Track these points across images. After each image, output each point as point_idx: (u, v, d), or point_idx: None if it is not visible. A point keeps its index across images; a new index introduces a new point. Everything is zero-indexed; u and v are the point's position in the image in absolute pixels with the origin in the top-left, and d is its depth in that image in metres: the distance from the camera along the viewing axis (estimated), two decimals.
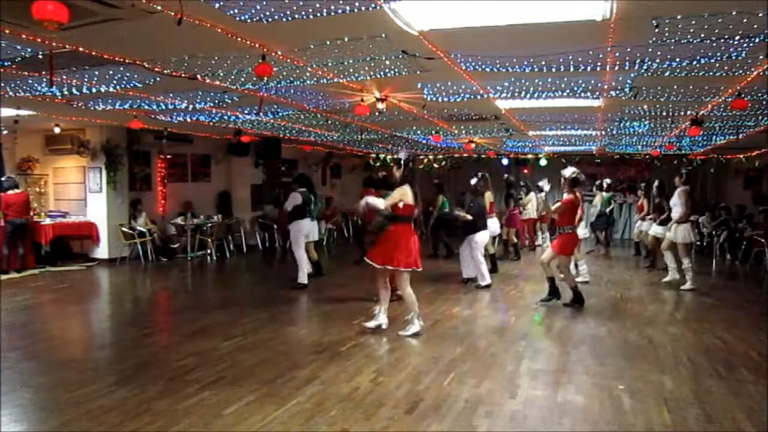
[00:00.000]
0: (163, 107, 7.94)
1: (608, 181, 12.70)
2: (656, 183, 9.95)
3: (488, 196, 9.24)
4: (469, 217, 8.30)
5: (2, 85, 6.22)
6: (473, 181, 8.81)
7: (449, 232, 11.60)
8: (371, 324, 5.87)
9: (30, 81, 6.05)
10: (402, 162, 5.75)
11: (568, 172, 7.15)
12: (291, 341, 5.58)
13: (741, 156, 14.16)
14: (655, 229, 9.91)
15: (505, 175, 12.57)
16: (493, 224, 9.50)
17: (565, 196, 7.13)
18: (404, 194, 5.61)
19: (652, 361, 5.06)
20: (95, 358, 5.25)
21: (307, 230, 8.43)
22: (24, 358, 5.04)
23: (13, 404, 3.95)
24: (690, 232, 8.23)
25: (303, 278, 8.22)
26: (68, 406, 3.92)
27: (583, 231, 8.83)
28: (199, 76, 5.81)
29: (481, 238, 8.39)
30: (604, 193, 12.14)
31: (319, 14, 3.93)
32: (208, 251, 11.80)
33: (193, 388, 4.23)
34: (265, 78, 5.40)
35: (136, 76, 5.90)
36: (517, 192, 12.35)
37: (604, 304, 7.42)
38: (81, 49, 4.83)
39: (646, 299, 7.85)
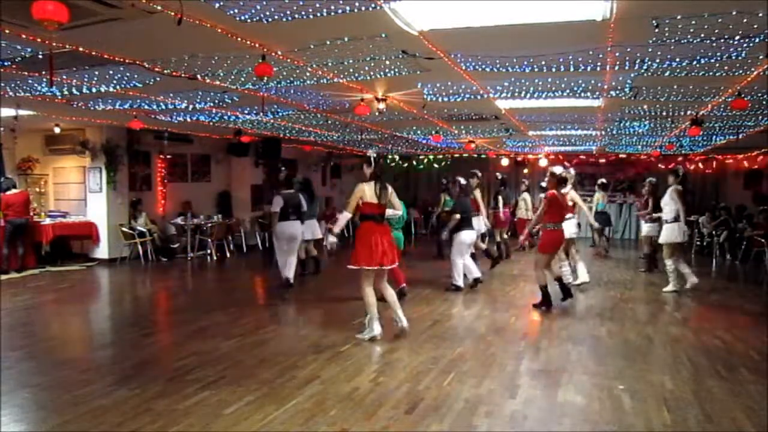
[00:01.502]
0: (163, 107, 7.94)
1: (603, 180, 12.71)
2: (649, 181, 9.86)
3: (478, 195, 9.17)
4: (456, 216, 8.05)
5: (2, 85, 6.22)
6: (462, 180, 8.52)
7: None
8: (372, 333, 5.61)
9: (30, 81, 6.05)
10: (372, 160, 5.60)
11: (558, 170, 7.11)
12: (291, 341, 5.58)
13: (741, 156, 14.20)
14: (646, 229, 9.88)
15: (498, 174, 12.19)
16: (477, 223, 9.15)
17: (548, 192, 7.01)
18: (362, 192, 5.50)
19: (652, 361, 5.07)
20: (95, 358, 5.25)
21: (289, 233, 8.18)
22: (24, 358, 5.04)
23: (13, 404, 3.96)
24: (677, 232, 7.88)
25: (290, 274, 8.25)
26: (68, 406, 3.92)
27: (574, 229, 8.48)
28: (199, 76, 5.81)
29: (465, 237, 8.08)
30: (603, 192, 12.07)
31: (319, 14, 3.94)
32: (208, 251, 11.80)
33: (193, 388, 4.23)
34: (265, 78, 5.40)
35: (136, 76, 5.90)
36: (510, 190, 12.21)
37: (604, 304, 7.42)
38: (81, 49, 4.83)
39: (646, 299, 7.85)
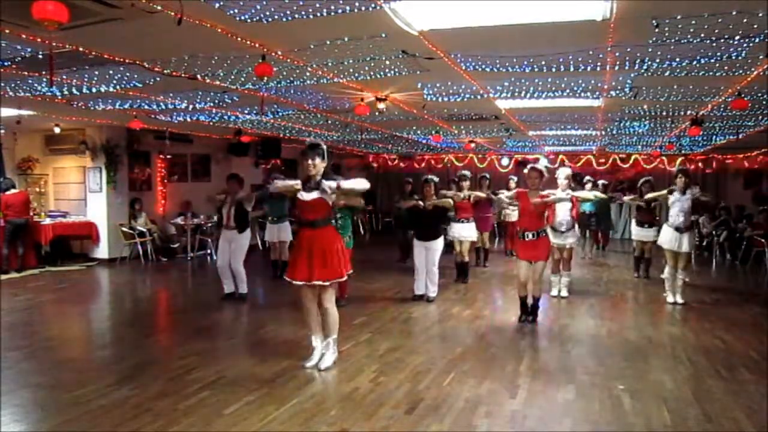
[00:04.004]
0: (163, 107, 7.94)
1: (604, 182, 12.48)
2: (647, 180, 9.10)
3: (480, 194, 8.64)
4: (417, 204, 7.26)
5: (2, 85, 6.22)
6: (436, 179, 7.61)
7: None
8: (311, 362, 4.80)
9: (30, 81, 6.05)
10: (324, 152, 4.61)
11: (542, 164, 6.56)
12: (291, 341, 5.57)
13: (741, 156, 14.22)
14: (642, 233, 9.11)
15: (483, 174, 11.04)
16: (468, 229, 8.62)
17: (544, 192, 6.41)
18: None
19: (652, 361, 5.07)
20: (95, 358, 5.25)
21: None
22: (24, 358, 5.05)
23: (12, 404, 3.96)
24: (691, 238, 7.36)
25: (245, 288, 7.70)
26: (68, 406, 3.93)
27: (565, 239, 7.56)
28: (199, 76, 5.80)
29: (439, 245, 7.39)
30: (592, 193, 11.34)
31: (319, 14, 3.93)
32: (208, 251, 11.81)
33: (193, 388, 4.24)
34: (265, 78, 5.40)
35: (136, 76, 5.90)
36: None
37: (604, 304, 7.42)
38: (81, 49, 4.83)
39: (646, 299, 7.85)
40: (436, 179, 7.59)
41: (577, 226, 7.92)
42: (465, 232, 8.59)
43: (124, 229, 11.02)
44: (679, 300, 7.34)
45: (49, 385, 4.35)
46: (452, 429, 3.60)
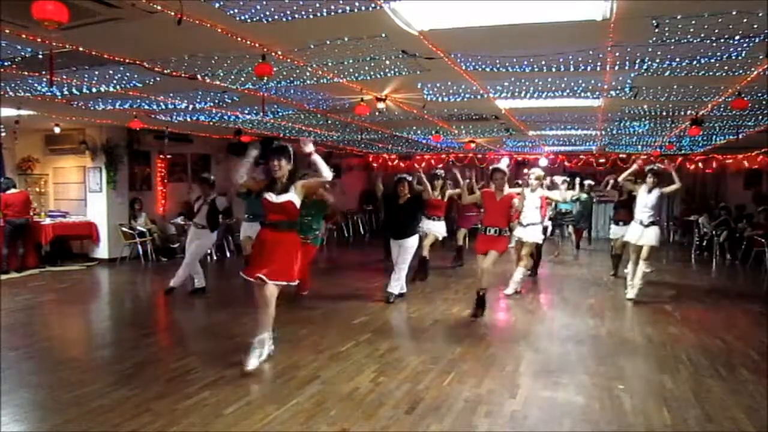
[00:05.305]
0: (163, 107, 7.94)
1: (591, 182, 12.53)
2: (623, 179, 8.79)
3: (451, 194, 8.68)
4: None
5: (2, 85, 6.22)
6: (409, 178, 7.59)
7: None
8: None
9: (30, 81, 6.05)
10: (292, 154, 4.73)
11: (503, 165, 6.78)
12: (291, 341, 5.58)
13: (741, 156, 14.21)
14: (619, 231, 8.94)
15: (466, 171, 11.20)
16: (437, 226, 8.76)
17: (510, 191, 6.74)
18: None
19: (652, 361, 5.07)
20: (95, 358, 5.25)
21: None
22: (24, 358, 5.05)
23: (13, 404, 3.96)
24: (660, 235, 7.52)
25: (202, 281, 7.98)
26: (68, 405, 3.93)
27: (524, 232, 7.87)
28: (199, 76, 5.81)
29: (413, 242, 7.38)
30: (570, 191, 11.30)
31: (319, 14, 3.94)
32: (208, 251, 11.78)
33: (193, 388, 4.24)
34: (265, 78, 5.40)
35: (136, 76, 5.90)
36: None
37: (604, 304, 7.42)
38: (81, 49, 4.83)
39: (646, 299, 7.84)
40: (409, 178, 7.55)
41: (550, 224, 8.15)
42: (433, 227, 8.69)
43: (124, 229, 11.01)
44: (631, 296, 7.46)
45: (49, 385, 4.35)
46: (452, 429, 3.60)
